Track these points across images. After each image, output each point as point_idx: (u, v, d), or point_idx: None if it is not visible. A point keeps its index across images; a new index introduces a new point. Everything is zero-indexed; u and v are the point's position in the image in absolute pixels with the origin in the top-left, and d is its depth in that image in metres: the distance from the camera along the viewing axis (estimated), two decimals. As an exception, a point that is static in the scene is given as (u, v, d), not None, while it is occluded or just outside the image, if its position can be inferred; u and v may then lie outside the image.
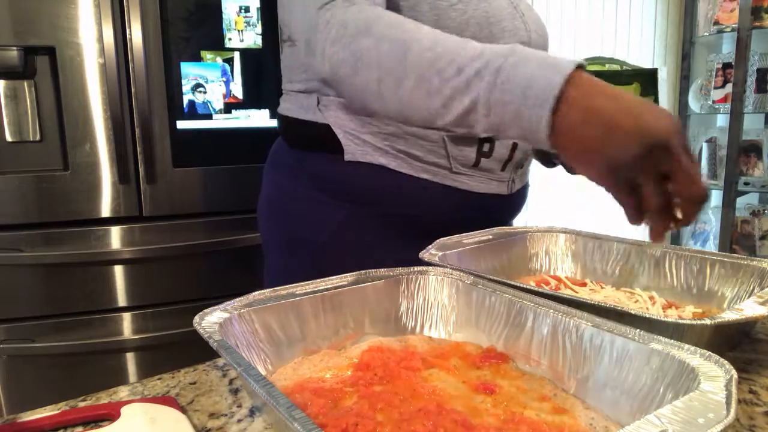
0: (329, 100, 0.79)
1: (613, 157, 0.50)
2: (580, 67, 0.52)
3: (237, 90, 1.57)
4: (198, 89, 1.52)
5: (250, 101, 1.60)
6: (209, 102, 1.54)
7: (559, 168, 1.06)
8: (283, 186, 0.87)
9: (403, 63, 0.58)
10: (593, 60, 0.87)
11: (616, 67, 0.84)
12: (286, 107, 0.87)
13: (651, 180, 0.50)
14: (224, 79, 1.55)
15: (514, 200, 0.89)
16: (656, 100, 0.80)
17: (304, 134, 0.84)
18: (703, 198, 0.51)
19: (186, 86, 1.51)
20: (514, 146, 0.82)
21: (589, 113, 0.50)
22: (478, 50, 0.56)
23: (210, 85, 1.54)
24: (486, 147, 0.80)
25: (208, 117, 1.56)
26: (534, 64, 0.52)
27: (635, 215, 0.53)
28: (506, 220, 0.92)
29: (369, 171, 0.79)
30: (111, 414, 0.46)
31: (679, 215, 0.52)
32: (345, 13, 0.63)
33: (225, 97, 1.56)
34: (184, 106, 1.52)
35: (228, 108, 1.57)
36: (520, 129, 0.54)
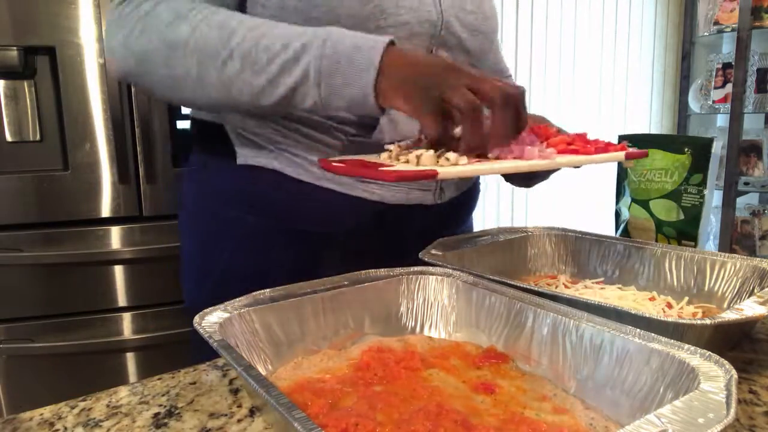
0: None
1: (427, 82, 0.54)
2: (391, 43, 0.57)
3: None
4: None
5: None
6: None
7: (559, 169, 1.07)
8: (190, 198, 0.78)
9: (226, 45, 0.58)
10: None
11: None
12: None
13: (459, 89, 0.53)
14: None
15: (446, 211, 0.79)
16: (705, 177, 0.78)
17: (203, 136, 0.77)
18: (505, 97, 0.53)
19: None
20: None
21: (404, 68, 0.55)
22: (300, 29, 0.58)
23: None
24: None
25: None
26: (354, 36, 0.57)
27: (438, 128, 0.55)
28: (439, 233, 0.77)
29: (263, 177, 0.71)
30: None
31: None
32: (156, 7, 0.61)
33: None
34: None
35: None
36: (349, 95, 0.56)
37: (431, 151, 0.54)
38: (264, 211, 0.72)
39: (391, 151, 0.60)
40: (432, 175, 0.50)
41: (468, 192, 0.84)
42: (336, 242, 0.72)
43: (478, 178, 0.85)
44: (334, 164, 0.56)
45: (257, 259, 0.72)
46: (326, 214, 0.71)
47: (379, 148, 0.68)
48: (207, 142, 0.77)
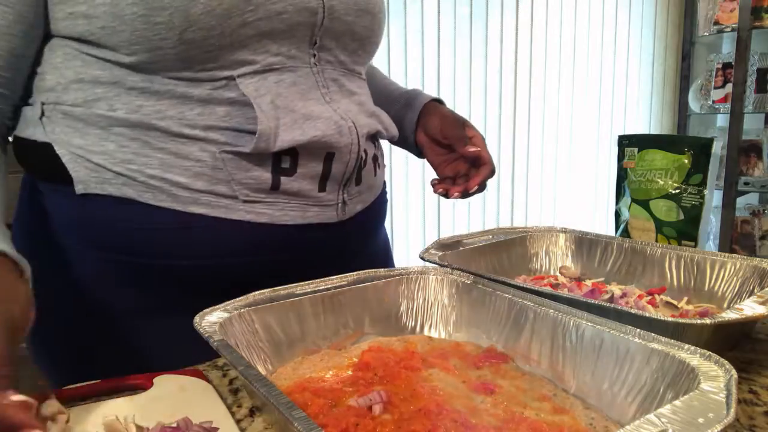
0: (54, 110, 0.59)
1: None
2: None
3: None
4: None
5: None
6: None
7: (558, 169, 1.06)
8: (23, 225, 0.66)
9: None
10: None
11: None
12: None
13: None
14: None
15: (352, 227, 0.68)
16: (705, 177, 0.79)
17: (26, 156, 0.64)
18: None
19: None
20: (329, 156, 0.62)
21: None
22: None
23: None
24: (286, 162, 0.60)
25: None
26: None
27: None
28: (347, 252, 0.70)
29: (111, 207, 0.58)
30: (144, 384, 0.49)
31: None
32: None
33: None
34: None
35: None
36: None
37: None
38: (115, 247, 0.59)
39: None
40: None
41: (374, 204, 0.73)
42: (216, 276, 0.61)
43: (384, 186, 0.77)
44: None
45: (109, 303, 0.61)
46: (201, 245, 0.59)
47: (259, 161, 0.59)
48: (29, 164, 0.65)
